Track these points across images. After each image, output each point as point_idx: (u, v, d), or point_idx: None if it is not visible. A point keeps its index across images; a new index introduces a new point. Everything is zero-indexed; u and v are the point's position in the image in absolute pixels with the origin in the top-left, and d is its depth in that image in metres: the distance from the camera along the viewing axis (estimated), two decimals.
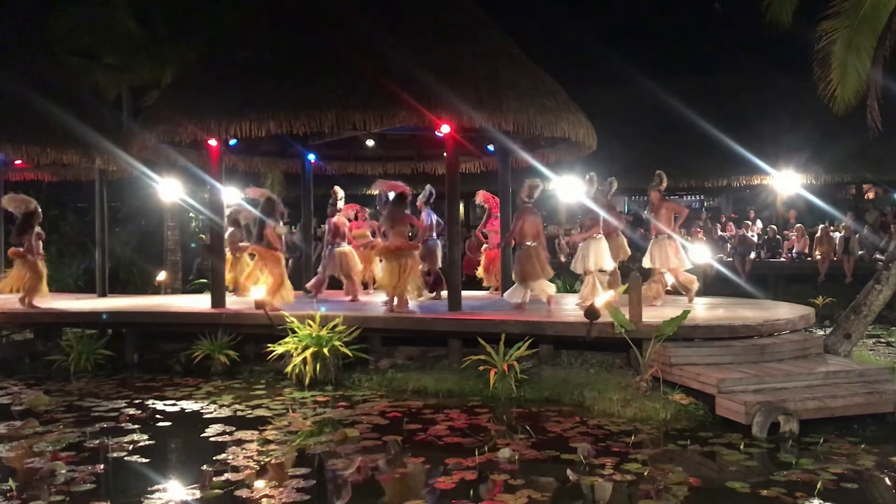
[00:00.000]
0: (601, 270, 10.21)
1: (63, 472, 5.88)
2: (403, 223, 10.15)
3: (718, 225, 20.17)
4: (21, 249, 11.33)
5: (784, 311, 9.58)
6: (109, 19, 16.51)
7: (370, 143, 13.37)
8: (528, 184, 10.18)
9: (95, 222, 14.05)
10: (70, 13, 16.31)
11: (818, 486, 5.42)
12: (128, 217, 20.28)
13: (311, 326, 9.12)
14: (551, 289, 10.14)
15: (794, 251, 18.29)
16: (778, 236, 18.86)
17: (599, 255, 10.09)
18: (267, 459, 6.26)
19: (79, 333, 10.40)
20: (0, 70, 12.21)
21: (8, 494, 5.39)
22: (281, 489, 5.50)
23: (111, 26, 16.55)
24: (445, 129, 9.82)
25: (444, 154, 10.56)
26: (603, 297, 8.71)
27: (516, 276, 10.14)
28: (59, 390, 9.10)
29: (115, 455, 6.45)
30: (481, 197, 11.66)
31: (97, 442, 6.81)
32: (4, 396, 8.81)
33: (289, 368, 9.11)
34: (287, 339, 9.23)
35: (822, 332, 10.27)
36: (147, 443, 6.80)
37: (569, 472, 5.85)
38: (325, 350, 8.94)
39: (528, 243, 9.86)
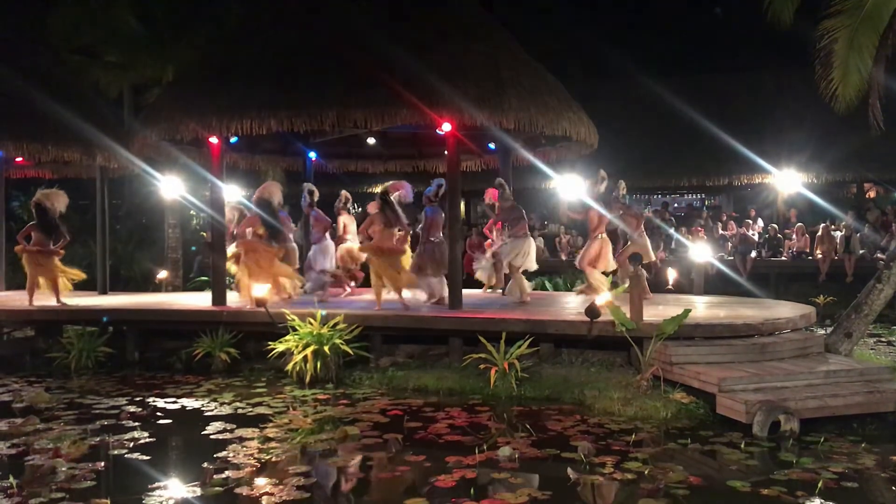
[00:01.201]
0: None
1: (63, 469, 5.89)
2: (393, 224, 10.14)
3: (719, 224, 20.17)
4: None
5: (785, 310, 9.57)
6: (111, 17, 16.50)
7: (371, 140, 13.37)
8: (436, 183, 10.81)
9: (96, 220, 14.05)
10: (72, 11, 16.30)
11: (819, 485, 5.42)
12: (129, 215, 20.29)
13: (311, 324, 9.12)
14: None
15: (794, 250, 18.28)
16: (779, 235, 18.85)
17: (528, 255, 10.70)
18: (267, 457, 6.27)
19: (79, 331, 10.40)
20: (1, 67, 12.19)
21: (8, 491, 5.39)
22: (281, 487, 5.50)
23: (113, 24, 16.54)
24: (447, 127, 9.82)
25: (446, 152, 10.56)
26: (604, 297, 8.71)
27: (421, 272, 10.49)
28: (59, 387, 9.10)
29: (115, 452, 6.45)
30: (490, 195, 11.69)
31: (98, 439, 6.81)
32: (5, 394, 8.82)
33: (289, 366, 9.10)
34: (288, 337, 9.23)
35: (822, 332, 10.27)
36: (148, 440, 6.80)
37: (569, 470, 5.85)
38: (326, 348, 8.94)
39: (434, 239, 10.46)
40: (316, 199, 11.76)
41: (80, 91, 13.69)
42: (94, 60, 17.14)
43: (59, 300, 11.46)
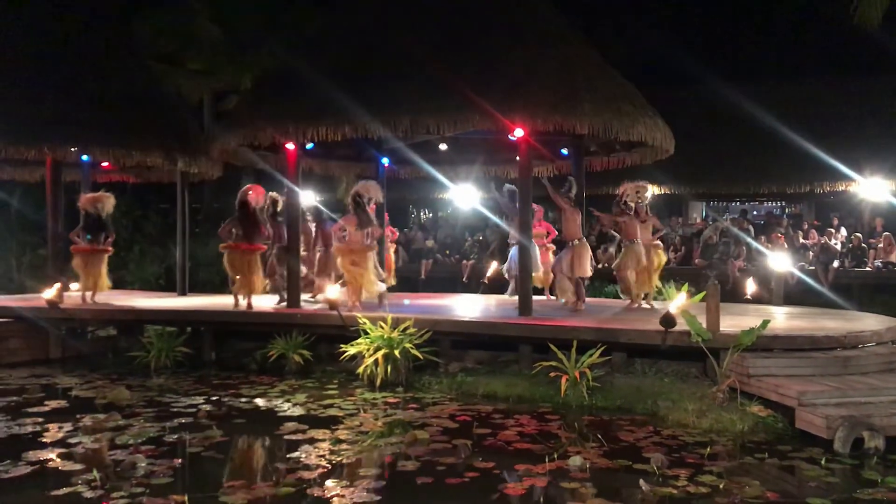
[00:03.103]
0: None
1: (143, 464, 6.06)
2: (365, 226, 10.46)
3: (800, 232, 19.55)
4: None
5: (870, 323, 9.22)
6: (193, 26, 17.00)
7: (443, 146, 13.41)
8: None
9: (177, 223, 14.47)
10: (156, 20, 16.84)
11: None
12: (208, 218, 20.81)
13: (382, 328, 9.20)
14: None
15: (880, 260, 17.59)
16: (863, 244, 18.17)
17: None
18: (338, 459, 6.33)
19: (159, 331, 10.73)
20: (90, 75, 12.64)
21: (92, 484, 5.58)
22: (352, 489, 5.55)
23: (194, 32, 17.04)
24: (519, 132, 9.78)
25: (517, 158, 10.51)
26: (677, 302, 8.51)
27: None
28: (139, 385, 9.39)
29: (192, 450, 6.62)
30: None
31: (176, 437, 7.00)
32: (89, 390, 9.15)
33: (360, 369, 9.20)
34: (359, 340, 9.32)
35: None
36: (223, 439, 6.96)
37: (641, 482, 5.74)
38: (396, 352, 9.00)
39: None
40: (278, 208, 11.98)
41: (162, 97, 14.11)
42: (176, 68, 17.65)
43: (93, 300, 11.93)
